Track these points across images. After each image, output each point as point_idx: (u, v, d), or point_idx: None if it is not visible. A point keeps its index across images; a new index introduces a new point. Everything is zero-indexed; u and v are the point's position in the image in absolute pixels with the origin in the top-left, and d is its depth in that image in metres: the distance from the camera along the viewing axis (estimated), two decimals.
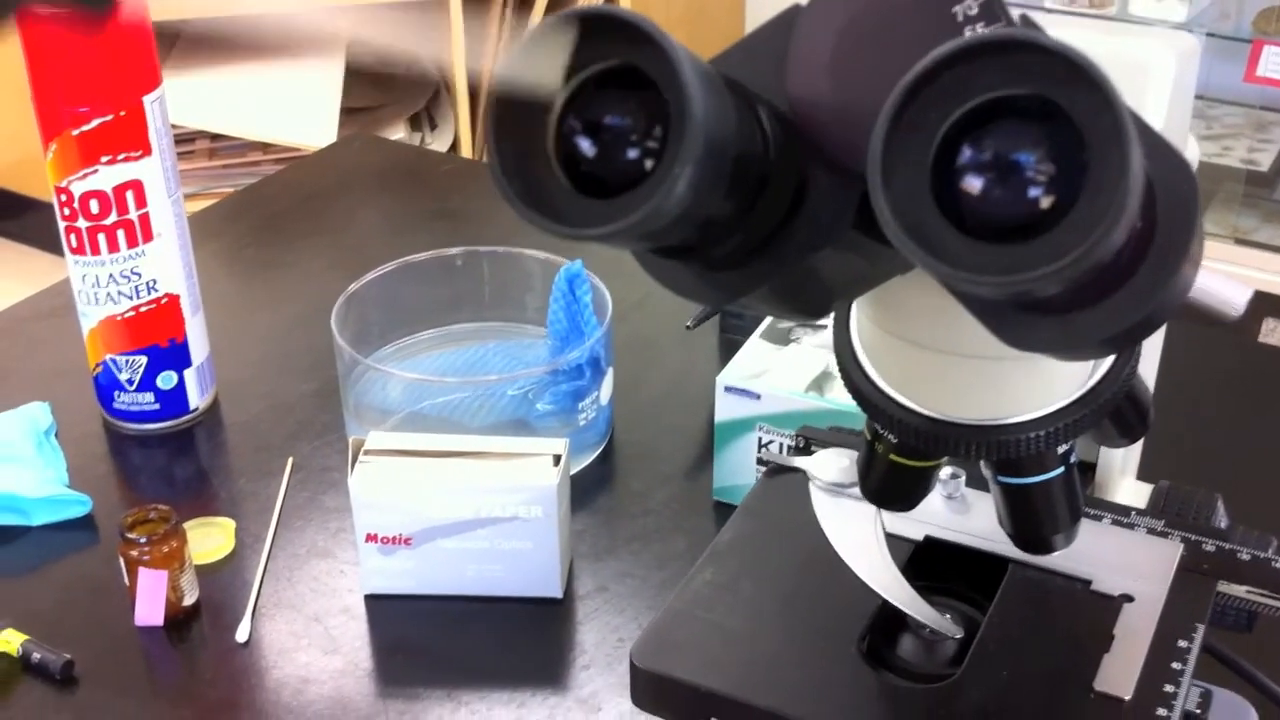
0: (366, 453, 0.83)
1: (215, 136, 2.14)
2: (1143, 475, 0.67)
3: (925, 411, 0.45)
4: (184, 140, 2.11)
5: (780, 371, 0.87)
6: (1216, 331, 1.12)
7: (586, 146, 0.32)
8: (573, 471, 0.94)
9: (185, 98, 2.04)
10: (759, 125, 0.34)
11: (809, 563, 0.56)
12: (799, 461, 0.60)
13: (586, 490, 0.94)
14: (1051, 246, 0.29)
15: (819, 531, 0.57)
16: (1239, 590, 0.54)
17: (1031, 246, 0.29)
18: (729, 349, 0.94)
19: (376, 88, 2.28)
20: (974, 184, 0.30)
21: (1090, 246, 0.29)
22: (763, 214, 0.35)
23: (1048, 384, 0.45)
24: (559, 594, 0.84)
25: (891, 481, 0.50)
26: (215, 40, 2.14)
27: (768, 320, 0.92)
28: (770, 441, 0.79)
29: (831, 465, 0.59)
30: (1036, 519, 0.49)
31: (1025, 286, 0.29)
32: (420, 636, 0.83)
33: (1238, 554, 0.56)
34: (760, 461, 0.63)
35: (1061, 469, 0.47)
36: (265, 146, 2.11)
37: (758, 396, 0.85)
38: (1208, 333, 1.12)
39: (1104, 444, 0.50)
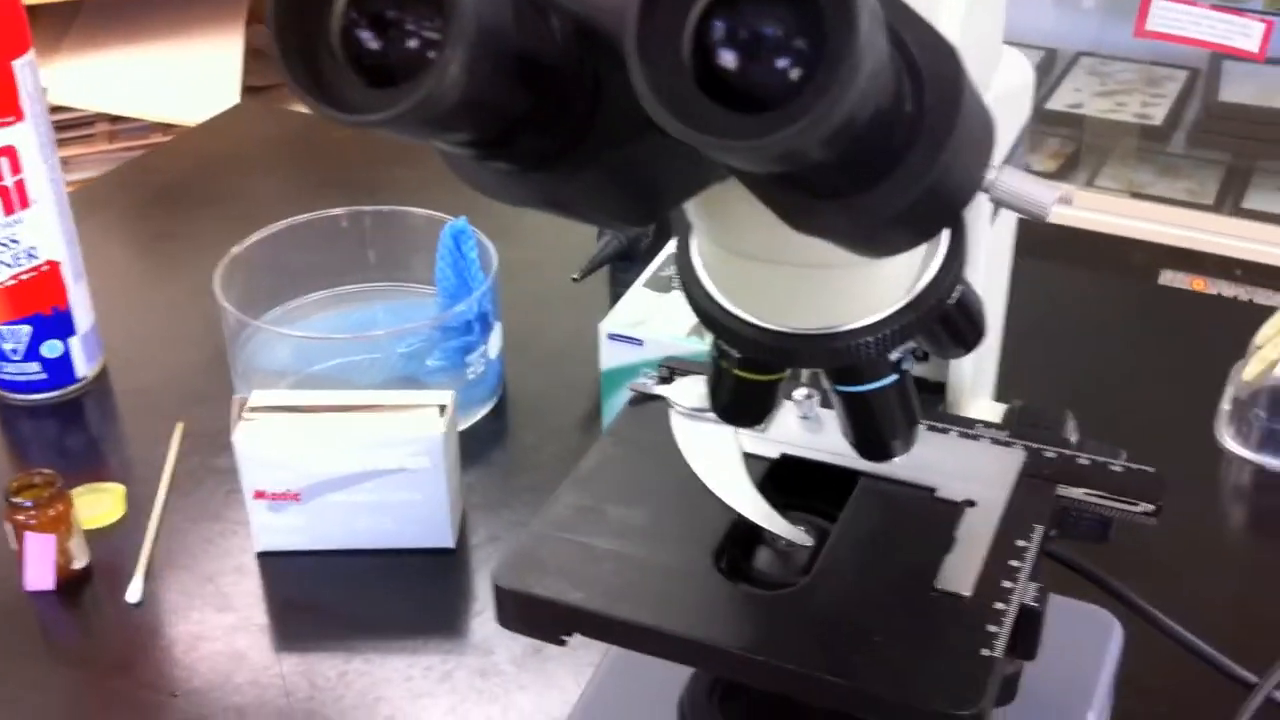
0: (252, 410, 0.83)
1: (115, 119, 2.12)
2: (1004, 398, 0.69)
3: (761, 324, 0.47)
4: (84, 124, 2.09)
5: (662, 318, 0.88)
6: (1117, 277, 1.16)
7: (368, 38, 0.33)
8: (464, 426, 0.95)
9: (84, 79, 2.02)
10: (546, 19, 0.35)
11: (670, 484, 0.58)
12: (660, 389, 0.62)
13: (479, 445, 0.95)
14: (797, 113, 0.31)
15: (680, 455, 0.59)
16: (1079, 494, 0.57)
17: (780, 114, 0.31)
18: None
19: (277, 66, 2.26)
20: (726, 58, 0.31)
21: (826, 109, 0.30)
22: (563, 110, 0.37)
23: (875, 292, 0.46)
24: (451, 544, 0.85)
25: (739, 397, 0.51)
26: (115, 16, 2.11)
27: (651, 268, 0.93)
28: None
29: (691, 391, 0.61)
30: (875, 425, 0.50)
31: (773, 148, 0.31)
32: (314, 591, 0.84)
33: (1078, 459, 0.58)
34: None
35: (895, 376, 0.49)
36: (166, 127, 2.10)
37: (640, 343, 0.87)
38: (1108, 279, 1.16)
39: (941, 354, 0.52)
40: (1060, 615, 0.70)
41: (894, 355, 0.49)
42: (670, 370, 0.63)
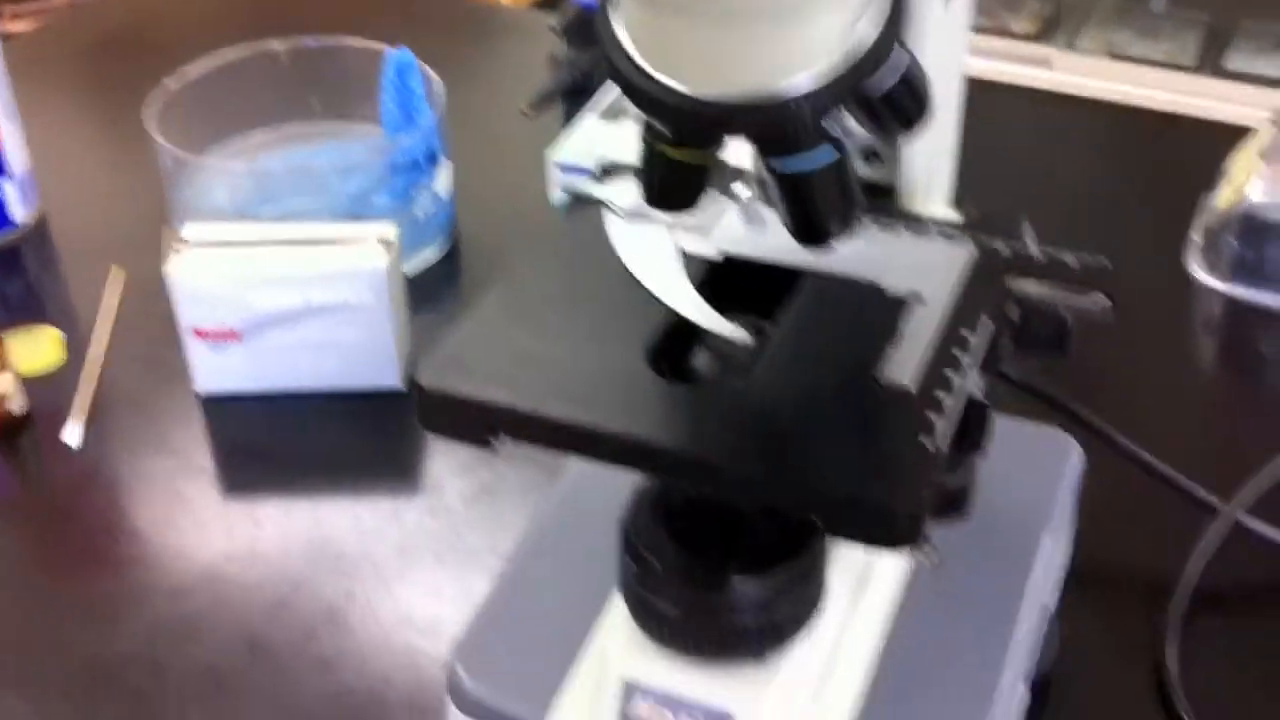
0: (187, 243, 0.80)
1: None
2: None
3: (687, 90, 0.44)
4: None
5: (615, 146, 0.85)
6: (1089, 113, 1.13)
7: None
8: (416, 269, 0.93)
9: None
10: None
11: (605, 286, 0.55)
12: (596, 190, 0.59)
13: (430, 287, 0.92)
14: None
15: (616, 256, 0.56)
16: (1030, 287, 0.54)
17: None
18: None
19: None
20: None
21: None
22: None
23: (808, 51, 0.43)
24: (399, 384, 0.83)
25: (668, 178, 0.48)
26: None
27: (604, 98, 0.90)
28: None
29: (629, 191, 0.58)
30: (813, 206, 0.48)
31: None
32: (258, 434, 0.82)
33: (1031, 253, 0.55)
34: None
35: (832, 152, 0.46)
36: None
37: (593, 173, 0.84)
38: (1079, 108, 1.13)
39: (884, 137, 0.49)
40: (1017, 437, 0.69)
41: (832, 129, 0.46)
42: (607, 171, 0.60)
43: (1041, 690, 0.63)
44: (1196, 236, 0.93)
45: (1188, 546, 0.70)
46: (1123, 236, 0.94)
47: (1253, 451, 0.73)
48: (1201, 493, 0.73)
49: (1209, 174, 0.93)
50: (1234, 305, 0.90)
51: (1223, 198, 0.90)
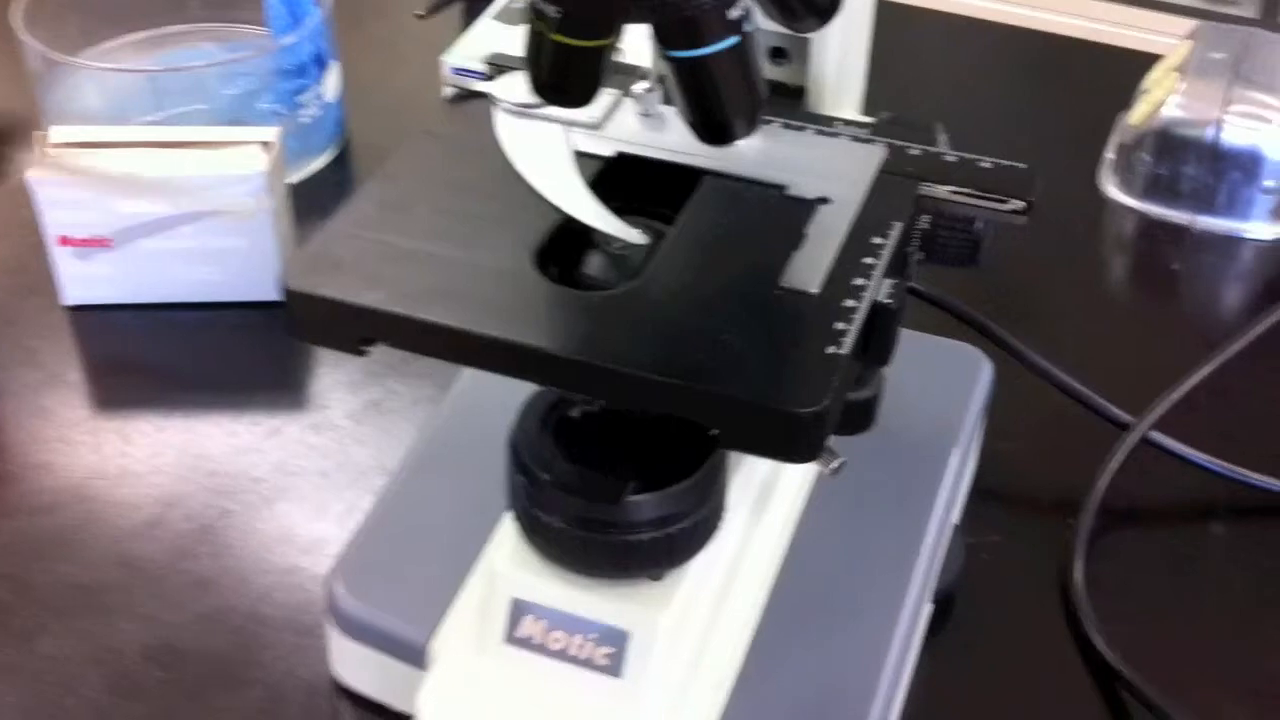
0: (53, 146, 0.75)
1: None
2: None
3: None
4: None
5: (513, 50, 0.80)
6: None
7: None
8: (303, 175, 0.88)
9: None
10: None
11: (490, 183, 0.51)
12: (483, 85, 0.55)
13: (318, 196, 0.87)
14: None
15: (503, 154, 0.52)
16: (943, 192, 0.51)
17: None
18: None
19: None
20: None
21: None
22: None
23: None
24: (282, 297, 0.78)
25: (560, 68, 0.44)
26: None
27: (499, 3, 0.85)
28: None
29: (518, 87, 0.54)
30: (715, 98, 0.44)
31: None
32: (130, 348, 0.77)
33: (944, 156, 0.53)
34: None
35: (734, 38, 0.43)
36: None
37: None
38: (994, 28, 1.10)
39: (793, 26, 0.46)
40: (925, 351, 0.66)
41: (733, 14, 0.42)
42: (497, 66, 0.56)
43: (945, 606, 0.62)
44: (1111, 154, 0.91)
45: (1097, 463, 0.68)
46: (1036, 155, 0.92)
47: (1163, 368, 0.72)
48: (1111, 409, 0.71)
49: (1124, 96, 0.91)
50: (1147, 223, 0.89)
51: (1137, 114, 0.88)
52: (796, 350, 0.44)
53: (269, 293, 0.78)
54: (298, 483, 0.68)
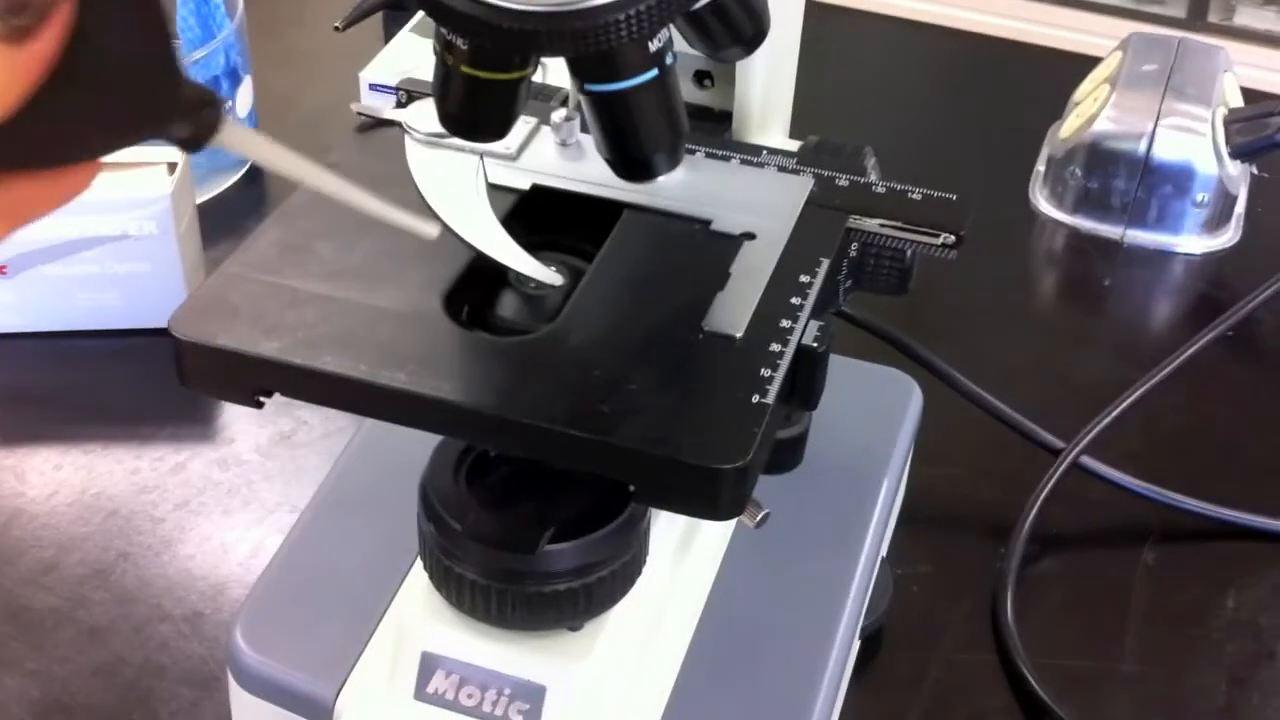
0: None
1: None
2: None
3: (492, 0, 0.38)
4: None
5: (428, 72, 0.78)
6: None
7: None
8: (213, 194, 0.85)
9: None
10: None
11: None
12: (394, 113, 0.52)
13: (231, 215, 0.84)
14: None
15: (413, 187, 0.50)
16: (873, 225, 0.49)
17: None
18: None
19: None
20: None
21: None
22: None
23: None
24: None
25: (470, 101, 0.42)
26: None
27: (420, 15, 0.82)
28: None
29: (430, 115, 0.51)
30: (633, 135, 0.42)
31: None
32: (27, 378, 0.74)
33: (873, 187, 0.51)
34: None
35: (655, 71, 0.41)
36: None
37: None
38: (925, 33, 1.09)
39: (716, 55, 0.44)
40: (854, 378, 0.64)
41: (654, 45, 0.40)
42: (408, 93, 0.54)
43: (874, 640, 0.60)
44: (1041, 166, 0.90)
45: (1027, 488, 0.67)
46: (966, 168, 0.91)
47: (1094, 387, 0.71)
48: (1042, 434, 0.70)
49: (1056, 104, 0.90)
50: (1077, 237, 0.88)
51: (1068, 127, 0.87)
52: (719, 399, 0.42)
53: None
54: (200, 523, 0.65)
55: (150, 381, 0.73)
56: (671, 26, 0.41)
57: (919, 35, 1.08)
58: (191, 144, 0.33)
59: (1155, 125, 0.84)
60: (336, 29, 0.90)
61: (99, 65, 0.29)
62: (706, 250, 0.47)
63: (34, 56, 0.27)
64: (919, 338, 0.70)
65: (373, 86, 0.78)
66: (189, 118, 0.33)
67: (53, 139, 0.30)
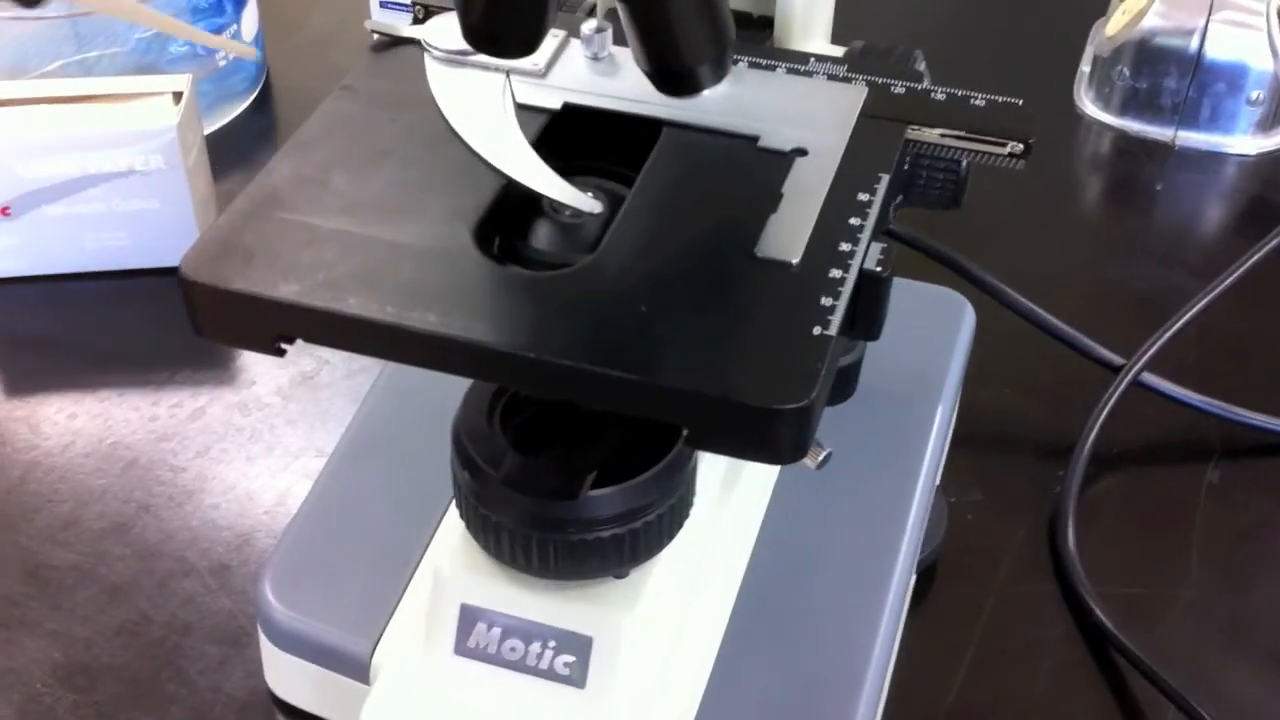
0: None
1: None
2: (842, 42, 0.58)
3: None
4: None
5: None
6: None
7: None
8: (220, 124, 0.82)
9: None
10: None
11: (420, 146, 0.45)
12: (412, 30, 0.49)
13: (240, 145, 0.81)
14: None
15: (435, 109, 0.46)
16: (933, 135, 0.46)
17: None
18: None
19: None
20: None
21: None
22: None
23: None
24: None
25: (494, 10, 0.38)
26: None
27: None
28: None
29: (451, 30, 0.48)
30: (674, 43, 0.38)
31: None
32: (37, 324, 0.71)
33: (932, 94, 0.47)
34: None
35: None
36: None
37: None
38: None
39: None
40: (905, 299, 0.61)
41: None
42: (425, 7, 0.50)
43: (928, 574, 0.57)
44: (1085, 67, 0.85)
45: (1083, 409, 0.64)
46: (1007, 70, 0.86)
47: (1146, 297, 0.67)
48: (1100, 351, 0.67)
49: (1099, 1, 0.85)
50: (1125, 140, 0.84)
51: (1114, 25, 0.83)
52: (777, 333, 0.39)
53: None
54: (223, 471, 0.62)
55: (163, 323, 0.70)
56: None
57: None
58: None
59: (1207, 20, 0.80)
60: None
61: None
62: (755, 169, 0.44)
63: None
64: (961, 250, 0.67)
65: (384, 3, 0.74)
66: None
67: None
